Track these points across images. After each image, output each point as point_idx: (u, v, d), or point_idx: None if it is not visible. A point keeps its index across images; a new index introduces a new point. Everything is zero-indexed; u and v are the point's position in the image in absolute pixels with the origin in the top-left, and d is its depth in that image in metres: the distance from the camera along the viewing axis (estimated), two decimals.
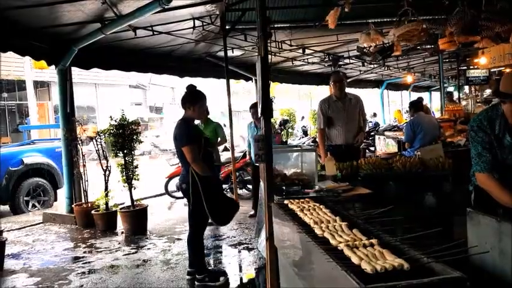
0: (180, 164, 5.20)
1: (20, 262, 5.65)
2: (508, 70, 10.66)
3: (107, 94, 24.20)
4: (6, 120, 20.80)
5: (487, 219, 2.52)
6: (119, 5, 5.43)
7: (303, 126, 20.54)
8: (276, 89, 22.26)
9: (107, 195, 6.97)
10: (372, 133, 13.88)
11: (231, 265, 5.22)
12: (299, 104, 31.37)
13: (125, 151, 6.79)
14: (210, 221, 4.54)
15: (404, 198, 4.42)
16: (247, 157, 8.02)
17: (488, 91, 15.76)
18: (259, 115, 3.51)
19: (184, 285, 4.61)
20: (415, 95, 25.17)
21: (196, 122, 5.44)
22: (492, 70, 13.42)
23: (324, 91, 16.30)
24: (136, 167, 6.92)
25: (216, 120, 7.46)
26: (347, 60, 12.20)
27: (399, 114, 20.83)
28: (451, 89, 19.79)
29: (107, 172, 7.00)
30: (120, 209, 7.02)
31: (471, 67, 14.88)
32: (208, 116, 7.16)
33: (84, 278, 4.92)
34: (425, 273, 1.68)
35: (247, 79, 11.32)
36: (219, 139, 7.14)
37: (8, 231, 6.94)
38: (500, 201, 2.72)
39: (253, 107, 7.18)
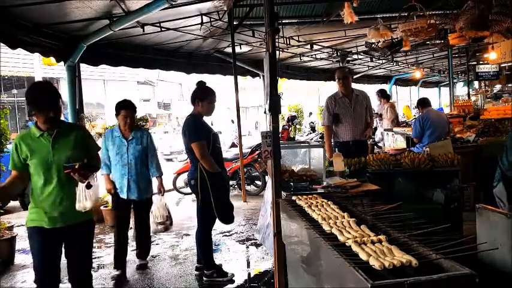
0: (188, 160, 5.21)
1: (30, 257, 5.68)
2: None
3: (116, 90, 24.26)
4: (16, 116, 20.95)
5: (496, 216, 2.50)
6: (127, 2, 5.44)
7: (311, 122, 20.53)
8: (284, 85, 22.21)
9: None
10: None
11: (238, 261, 5.23)
12: (307, 100, 31.29)
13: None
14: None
15: (413, 195, 4.41)
16: (109, 186, 4.81)
17: (498, 86, 15.60)
18: (267, 111, 3.50)
19: (193, 280, 4.64)
20: (423, 91, 25.00)
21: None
22: (502, 65, 13.27)
23: (332, 87, 16.25)
24: None
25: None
26: (355, 56, 12.14)
27: (408, 110, 20.69)
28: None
29: None
30: None
31: (481, 62, 14.74)
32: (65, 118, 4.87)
33: (93, 273, 4.94)
34: (434, 269, 1.67)
35: (254, 75, 11.30)
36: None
37: (18, 226, 7.00)
38: None
39: (123, 106, 4.71)
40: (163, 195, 5.02)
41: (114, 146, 4.73)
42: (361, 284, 1.57)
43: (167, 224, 5.03)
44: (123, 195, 4.75)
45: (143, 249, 5.15)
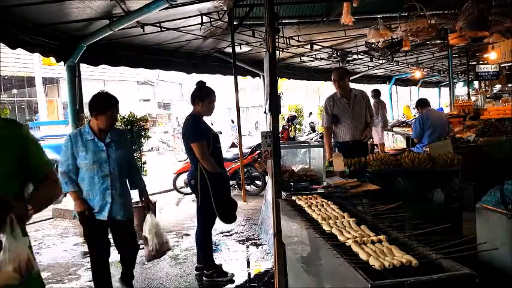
0: (188, 160, 5.21)
1: None
2: None
3: (116, 90, 24.08)
4: (16, 116, 20.98)
5: (496, 216, 2.50)
6: (127, 1, 5.44)
7: (311, 122, 20.53)
8: (284, 85, 22.22)
9: None
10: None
11: (238, 261, 5.23)
12: (307, 100, 31.32)
13: (133, 147, 6.85)
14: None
15: (413, 195, 4.40)
16: (83, 206, 3.61)
17: (498, 86, 15.60)
18: (267, 111, 3.50)
19: (193, 280, 4.63)
20: (423, 91, 24.99)
21: None
22: (502, 65, 13.29)
23: (332, 87, 16.23)
24: (144, 163, 6.95)
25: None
26: (355, 56, 12.14)
27: (408, 110, 20.71)
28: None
29: None
30: None
31: (481, 62, 14.75)
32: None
33: (87, 273, 4.94)
34: (434, 269, 1.67)
35: (254, 75, 11.30)
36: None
37: None
38: None
39: (113, 103, 3.75)
40: (153, 212, 4.18)
41: (88, 153, 3.61)
42: (361, 284, 1.57)
43: (164, 250, 4.09)
44: (103, 217, 3.63)
45: (129, 272, 4.11)
